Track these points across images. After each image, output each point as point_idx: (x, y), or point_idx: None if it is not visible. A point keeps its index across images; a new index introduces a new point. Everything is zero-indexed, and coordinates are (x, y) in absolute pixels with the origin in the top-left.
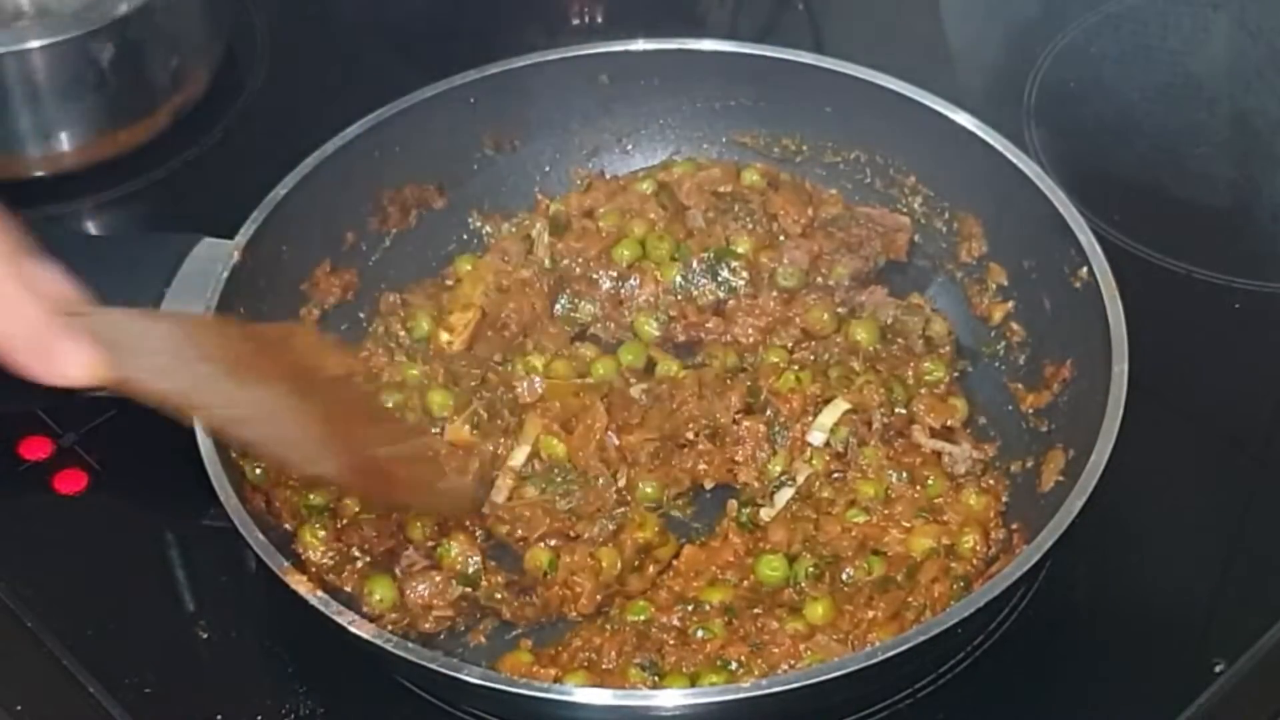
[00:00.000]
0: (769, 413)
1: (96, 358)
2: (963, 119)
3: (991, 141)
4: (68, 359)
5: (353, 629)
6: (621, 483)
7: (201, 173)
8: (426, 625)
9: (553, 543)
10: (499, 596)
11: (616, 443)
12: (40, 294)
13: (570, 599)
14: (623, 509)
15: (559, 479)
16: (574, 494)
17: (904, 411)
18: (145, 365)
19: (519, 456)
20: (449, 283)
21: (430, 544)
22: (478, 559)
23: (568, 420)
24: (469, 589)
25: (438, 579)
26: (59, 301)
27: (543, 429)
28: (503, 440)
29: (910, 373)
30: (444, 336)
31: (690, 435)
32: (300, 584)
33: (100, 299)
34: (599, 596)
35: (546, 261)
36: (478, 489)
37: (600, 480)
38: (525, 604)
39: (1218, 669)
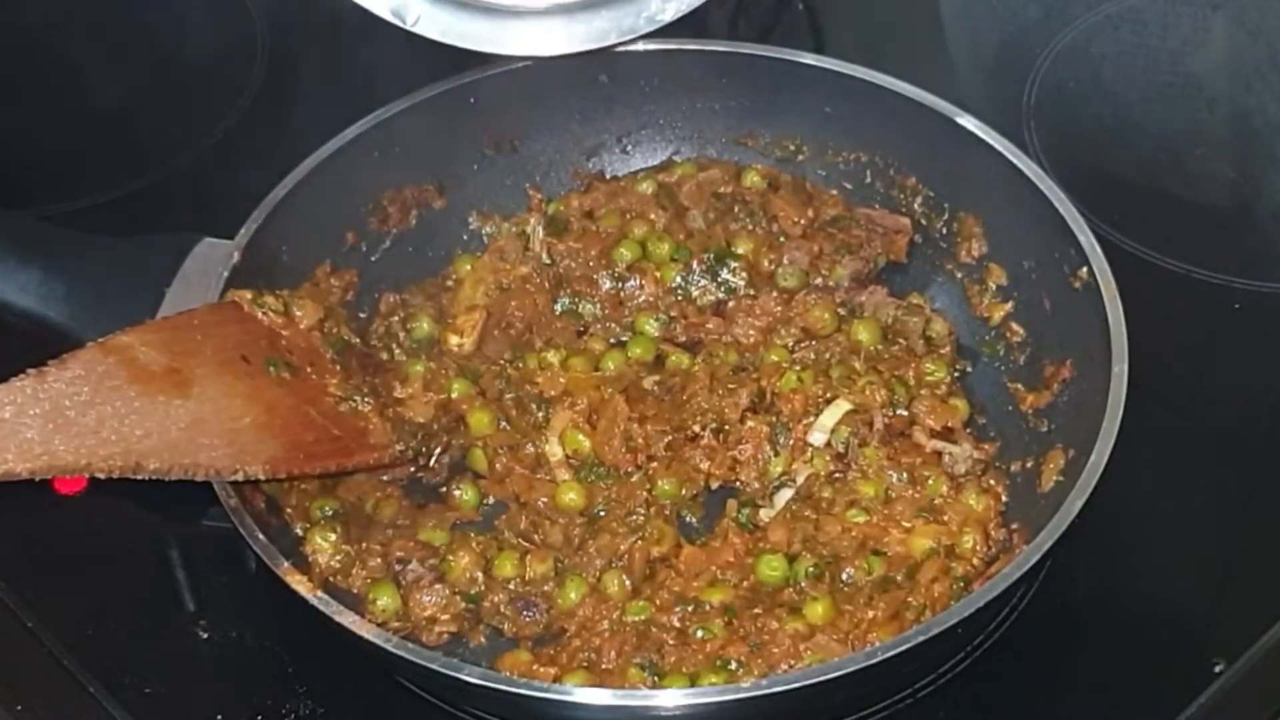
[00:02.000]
0: (773, 413)
1: None
2: (963, 120)
3: (991, 142)
4: None
5: (354, 629)
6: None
7: (201, 173)
8: (429, 638)
9: (558, 560)
10: (502, 612)
11: (639, 435)
12: None
13: (591, 648)
14: (643, 512)
15: (595, 472)
16: (610, 487)
17: (905, 413)
18: (13, 449)
19: (557, 450)
20: (449, 283)
21: (434, 560)
22: (481, 582)
23: (591, 414)
24: (472, 605)
25: (443, 592)
26: None
27: (570, 422)
28: (535, 433)
29: (911, 373)
30: (453, 340)
31: (697, 428)
32: (300, 584)
33: (100, 299)
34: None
35: (544, 257)
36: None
37: (634, 477)
38: (528, 622)
39: (1218, 669)
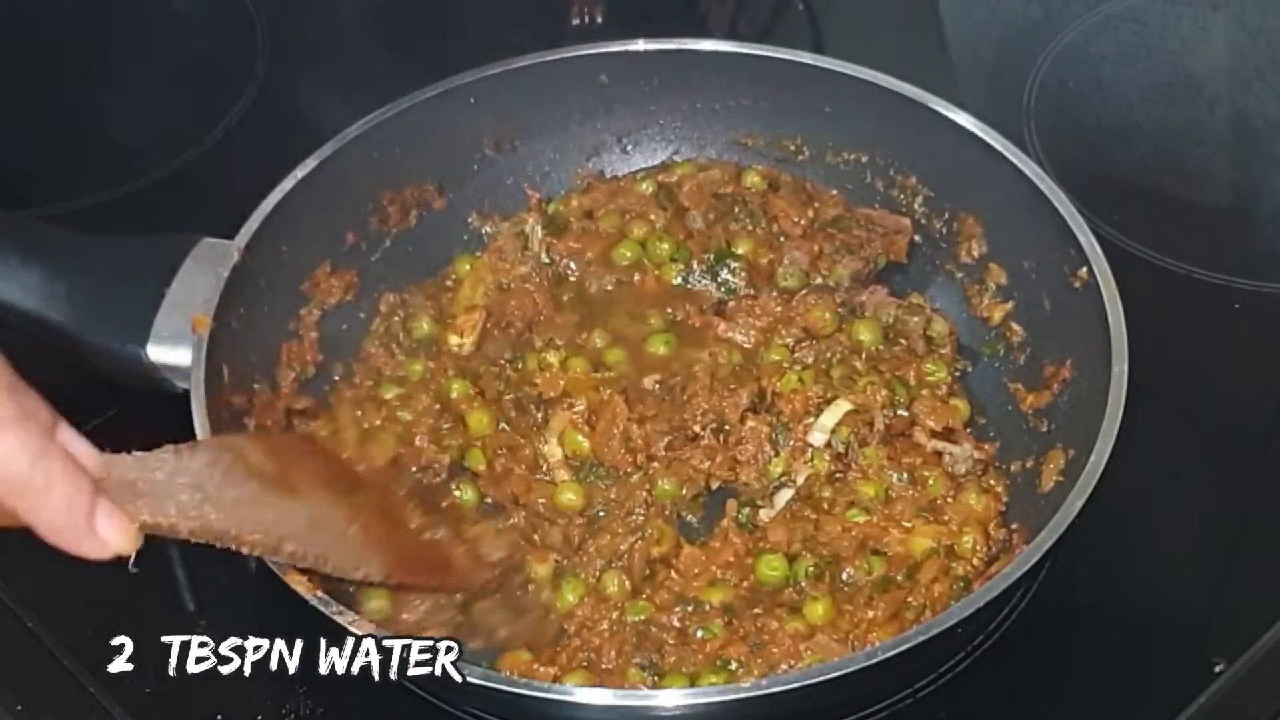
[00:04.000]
0: (773, 414)
1: (129, 529)
2: (963, 119)
3: (991, 141)
4: (102, 535)
5: (353, 629)
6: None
7: (201, 173)
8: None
9: (556, 559)
10: (495, 619)
11: (639, 436)
12: (73, 471)
13: (591, 648)
14: (643, 512)
15: (594, 473)
16: (610, 488)
17: (905, 413)
18: (174, 506)
19: (556, 451)
20: (448, 283)
21: None
22: None
23: (591, 415)
24: (463, 615)
25: (432, 602)
26: (87, 468)
27: (568, 423)
28: (534, 434)
29: (912, 373)
30: (453, 340)
31: (698, 429)
32: (300, 584)
33: (100, 299)
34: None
35: (543, 256)
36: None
37: (634, 477)
38: (519, 632)
39: (1218, 669)
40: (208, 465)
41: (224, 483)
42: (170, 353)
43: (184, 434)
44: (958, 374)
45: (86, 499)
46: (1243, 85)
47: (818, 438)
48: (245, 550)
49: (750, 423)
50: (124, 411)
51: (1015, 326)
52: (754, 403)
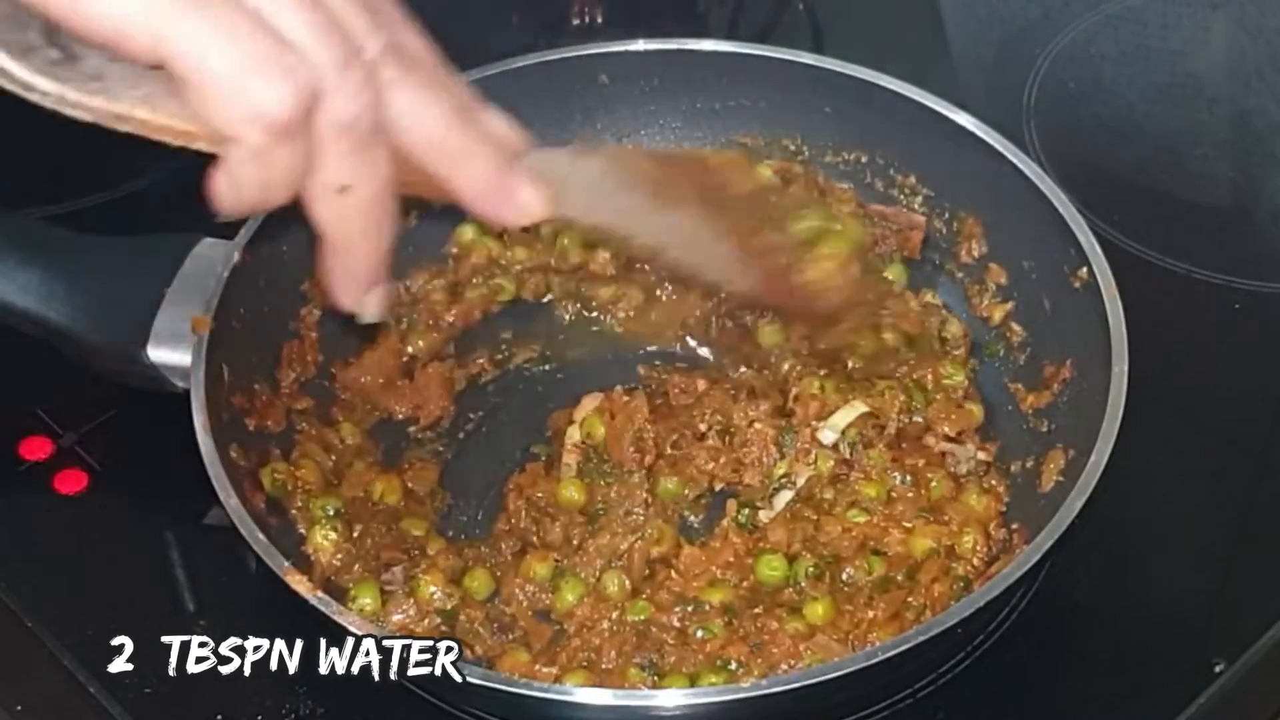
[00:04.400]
0: (784, 416)
1: (545, 197)
2: (963, 119)
3: (991, 141)
4: (522, 201)
5: (353, 629)
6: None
7: (202, 173)
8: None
9: (557, 557)
10: (479, 632)
11: (650, 437)
12: (492, 142)
13: (590, 648)
14: (642, 511)
15: (599, 467)
16: (611, 486)
17: (920, 419)
18: (576, 201)
19: (575, 433)
20: (451, 254)
21: (411, 573)
22: (455, 598)
23: (615, 408)
24: (446, 624)
25: (412, 610)
26: (506, 145)
27: (592, 410)
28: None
29: (930, 376)
30: None
31: (703, 428)
32: (300, 584)
33: (100, 299)
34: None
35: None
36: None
37: (634, 476)
38: (506, 644)
39: (1218, 669)
40: (601, 172)
41: (615, 189)
42: (170, 353)
43: (184, 434)
44: (972, 375)
45: (508, 165)
46: (1243, 85)
47: (828, 435)
48: (630, 253)
49: (757, 425)
50: (124, 411)
51: (1015, 326)
52: (775, 409)
